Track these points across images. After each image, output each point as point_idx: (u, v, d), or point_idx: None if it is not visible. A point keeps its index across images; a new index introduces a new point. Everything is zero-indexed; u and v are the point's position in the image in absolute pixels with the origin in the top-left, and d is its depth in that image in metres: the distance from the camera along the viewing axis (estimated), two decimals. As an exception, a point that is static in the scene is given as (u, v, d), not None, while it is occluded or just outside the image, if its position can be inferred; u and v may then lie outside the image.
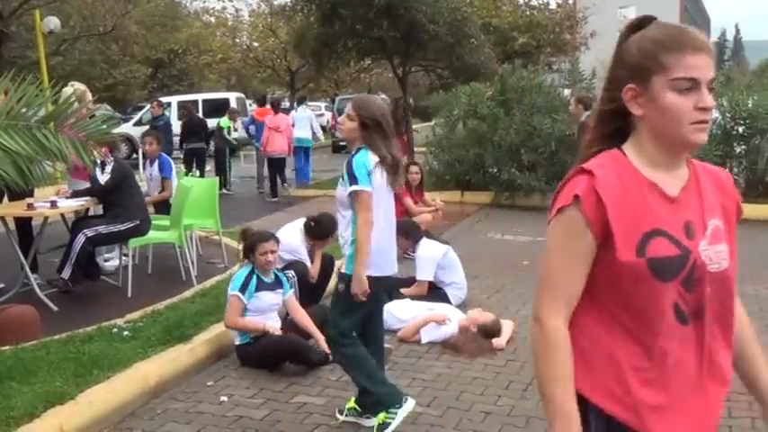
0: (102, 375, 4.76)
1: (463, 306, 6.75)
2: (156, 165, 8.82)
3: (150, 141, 8.89)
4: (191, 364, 5.35)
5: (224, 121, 17.41)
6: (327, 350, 5.21)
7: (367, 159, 4.21)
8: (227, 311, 5.51)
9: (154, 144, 8.82)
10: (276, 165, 15.66)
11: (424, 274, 7.03)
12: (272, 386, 5.10)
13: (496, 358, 5.71)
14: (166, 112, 16.60)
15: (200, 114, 28.39)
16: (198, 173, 15.36)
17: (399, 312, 6.35)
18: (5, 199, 7.41)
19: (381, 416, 4.35)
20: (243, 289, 5.47)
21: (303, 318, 5.73)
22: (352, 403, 4.56)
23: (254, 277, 5.55)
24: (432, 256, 7.07)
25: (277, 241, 5.76)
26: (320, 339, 5.46)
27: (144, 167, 14.14)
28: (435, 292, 6.98)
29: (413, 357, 5.74)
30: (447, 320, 6.11)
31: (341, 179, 4.31)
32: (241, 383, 5.21)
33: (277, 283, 5.69)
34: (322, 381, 5.24)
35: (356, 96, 4.88)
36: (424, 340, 6.04)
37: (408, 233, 7.36)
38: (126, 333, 5.61)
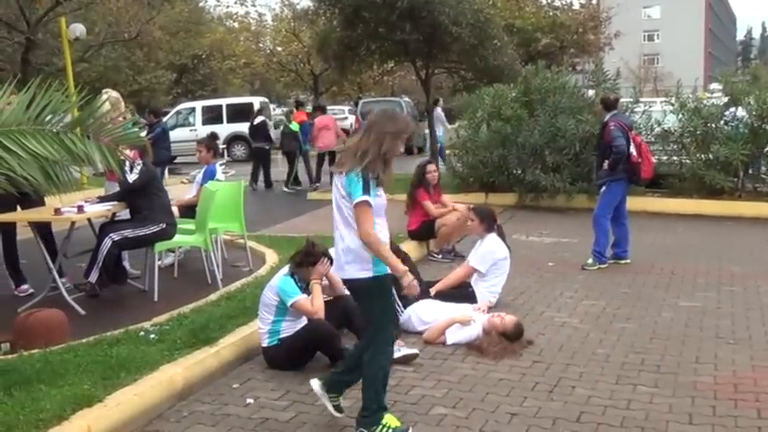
0: (130, 378, 4.79)
1: (491, 310, 6.70)
2: (203, 171, 9.07)
3: (200, 149, 9.24)
4: (217, 366, 5.38)
5: (294, 124, 18.37)
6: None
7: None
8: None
9: (203, 152, 9.13)
10: (323, 158, 17.64)
11: (478, 262, 7.03)
12: (298, 388, 5.10)
13: (522, 360, 5.69)
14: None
15: (225, 119, 28.80)
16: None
17: (424, 314, 6.35)
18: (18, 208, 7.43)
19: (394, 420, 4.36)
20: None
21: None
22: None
23: (298, 283, 5.56)
24: (494, 251, 7.05)
25: None
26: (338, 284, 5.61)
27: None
28: (463, 291, 6.96)
29: (438, 359, 5.73)
30: (471, 321, 6.10)
31: None
32: (267, 385, 5.22)
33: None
34: (347, 383, 5.24)
35: None
36: (449, 341, 6.03)
37: (484, 218, 7.27)
38: (152, 336, 5.65)
